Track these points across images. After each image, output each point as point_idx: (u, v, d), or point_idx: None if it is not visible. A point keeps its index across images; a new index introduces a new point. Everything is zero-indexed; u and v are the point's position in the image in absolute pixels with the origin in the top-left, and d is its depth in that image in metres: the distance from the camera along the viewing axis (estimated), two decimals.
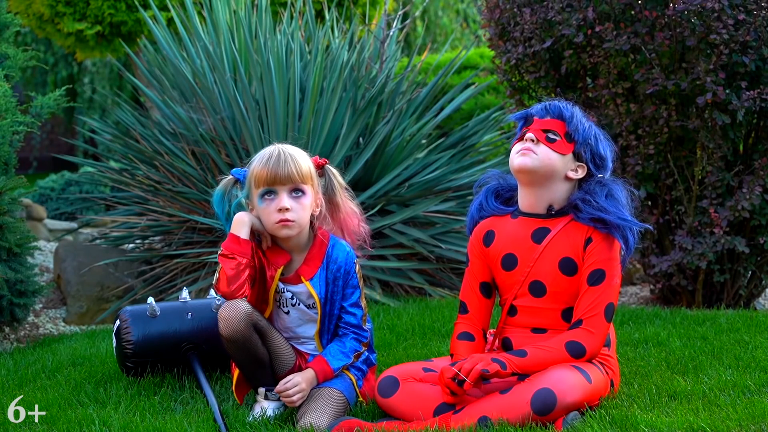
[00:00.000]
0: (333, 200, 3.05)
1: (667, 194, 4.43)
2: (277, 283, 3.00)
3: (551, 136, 2.89)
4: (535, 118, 2.93)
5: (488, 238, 3.00)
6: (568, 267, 2.86)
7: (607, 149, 2.94)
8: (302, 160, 2.95)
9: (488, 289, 3.01)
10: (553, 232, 2.88)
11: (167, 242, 5.20)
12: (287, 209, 2.90)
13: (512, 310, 2.95)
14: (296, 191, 2.93)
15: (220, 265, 2.90)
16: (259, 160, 2.94)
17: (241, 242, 2.90)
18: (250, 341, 2.89)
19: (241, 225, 2.93)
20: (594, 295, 2.80)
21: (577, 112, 2.93)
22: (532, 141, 2.89)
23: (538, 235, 2.90)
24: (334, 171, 3.07)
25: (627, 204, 2.88)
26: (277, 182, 2.90)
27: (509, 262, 2.94)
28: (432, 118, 5.41)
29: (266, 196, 2.92)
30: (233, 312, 2.85)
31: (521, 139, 2.93)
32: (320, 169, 3.04)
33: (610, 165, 2.95)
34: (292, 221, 2.91)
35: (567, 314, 2.89)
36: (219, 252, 2.91)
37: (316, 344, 3.07)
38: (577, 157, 2.90)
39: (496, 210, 3.02)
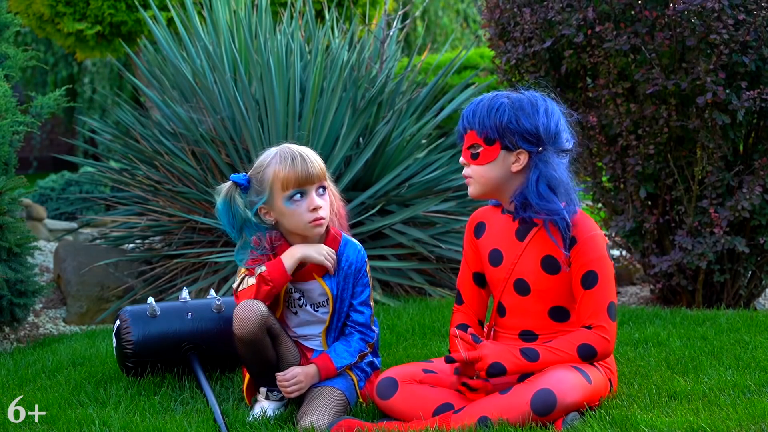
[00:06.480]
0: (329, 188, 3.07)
1: (667, 194, 4.43)
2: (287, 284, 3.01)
3: (474, 151, 2.80)
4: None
5: (479, 229, 2.98)
6: (550, 265, 2.83)
7: (536, 119, 2.73)
8: (318, 158, 2.98)
9: (481, 279, 3.00)
10: (536, 230, 2.84)
11: (167, 242, 5.20)
12: (320, 207, 2.92)
13: (501, 310, 2.93)
14: (321, 189, 2.96)
15: (253, 280, 2.91)
16: (282, 163, 2.91)
17: (285, 275, 2.92)
18: (262, 344, 2.89)
19: (291, 257, 2.93)
20: (593, 298, 2.77)
21: (482, 107, 2.75)
22: (466, 165, 2.83)
23: (522, 233, 2.87)
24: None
25: (562, 180, 2.75)
26: (308, 182, 2.91)
27: (495, 257, 2.92)
28: (432, 118, 5.40)
29: (295, 197, 2.92)
30: (249, 313, 2.85)
31: None
32: None
33: (549, 130, 2.74)
34: (324, 218, 2.94)
35: (554, 313, 2.86)
36: (260, 270, 2.91)
37: (322, 342, 3.07)
38: (513, 146, 2.76)
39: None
